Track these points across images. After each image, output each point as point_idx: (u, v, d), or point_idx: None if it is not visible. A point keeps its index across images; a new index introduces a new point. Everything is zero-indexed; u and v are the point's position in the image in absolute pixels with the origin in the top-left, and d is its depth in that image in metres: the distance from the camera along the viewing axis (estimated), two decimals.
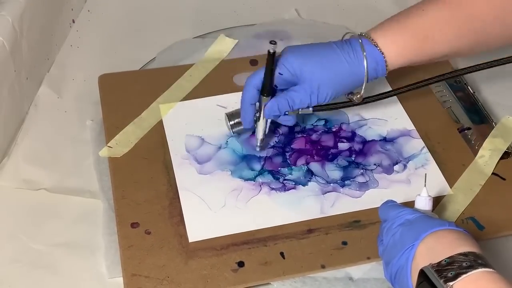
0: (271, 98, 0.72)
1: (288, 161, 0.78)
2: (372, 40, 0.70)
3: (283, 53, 0.72)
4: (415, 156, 0.79)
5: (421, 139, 0.81)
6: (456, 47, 0.71)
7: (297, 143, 0.80)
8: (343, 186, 0.75)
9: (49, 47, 0.91)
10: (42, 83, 0.88)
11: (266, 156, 0.78)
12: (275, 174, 0.76)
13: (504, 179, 0.77)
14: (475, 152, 0.79)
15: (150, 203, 0.73)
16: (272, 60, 0.69)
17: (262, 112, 0.73)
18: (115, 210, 0.72)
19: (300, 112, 0.72)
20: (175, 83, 0.86)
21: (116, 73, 0.88)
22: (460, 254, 0.54)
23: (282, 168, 0.77)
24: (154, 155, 0.78)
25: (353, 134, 0.81)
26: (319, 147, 0.80)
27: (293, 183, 0.76)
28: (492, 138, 0.80)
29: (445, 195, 0.75)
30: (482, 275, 0.52)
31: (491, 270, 0.53)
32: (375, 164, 0.78)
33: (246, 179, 0.76)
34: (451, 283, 0.52)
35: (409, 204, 0.73)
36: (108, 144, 0.78)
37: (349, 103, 0.74)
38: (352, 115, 0.83)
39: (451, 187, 0.76)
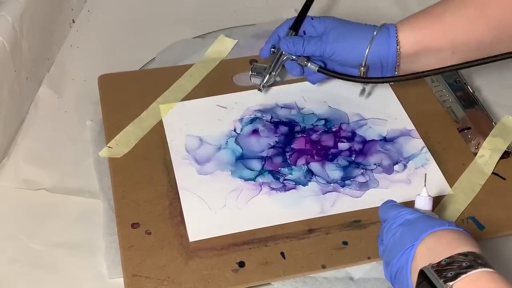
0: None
1: (288, 161, 0.78)
2: (395, 26, 0.76)
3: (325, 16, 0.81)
4: (415, 156, 0.79)
5: (421, 139, 0.81)
6: (475, 34, 0.73)
7: (297, 143, 0.80)
8: (343, 186, 0.75)
9: (49, 47, 0.91)
10: (42, 83, 0.88)
11: (266, 156, 0.78)
12: (275, 174, 0.76)
13: (504, 178, 0.77)
14: (475, 152, 0.79)
15: (151, 204, 0.73)
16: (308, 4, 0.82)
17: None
18: (115, 210, 0.72)
19: (308, 65, 0.79)
20: (175, 83, 0.86)
21: (115, 73, 0.88)
22: (460, 254, 0.54)
23: (282, 168, 0.77)
24: (154, 155, 0.78)
25: (353, 134, 0.81)
26: (319, 147, 0.80)
27: (293, 183, 0.76)
28: (492, 137, 0.80)
29: (445, 195, 0.75)
30: (481, 275, 0.52)
31: (491, 270, 0.53)
32: (375, 164, 0.78)
33: (246, 179, 0.76)
34: (451, 283, 0.52)
35: (410, 204, 0.73)
36: (108, 145, 0.78)
37: (352, 76, 0.78)
38: (352, 114, 0.83)
39: (451, 187, 0.76)
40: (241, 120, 0.82)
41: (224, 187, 0.75)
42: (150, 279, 0.66)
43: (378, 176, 0.77)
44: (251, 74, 0.83)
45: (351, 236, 0.71)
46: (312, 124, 0.82)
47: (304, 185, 0.76)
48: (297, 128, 0.82)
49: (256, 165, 0.77)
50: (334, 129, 0.82)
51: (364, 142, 0.80)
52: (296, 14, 0.99)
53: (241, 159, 0.78)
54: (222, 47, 0.92)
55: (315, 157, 0.78)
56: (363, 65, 0.76)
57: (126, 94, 0.85)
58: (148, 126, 0.81)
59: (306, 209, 0.73)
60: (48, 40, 0.91)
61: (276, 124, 0.82)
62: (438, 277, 0.53)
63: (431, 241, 0.57)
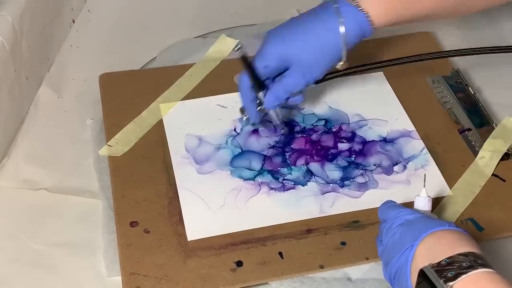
0: (267, 90, 0.73)
1: (288, 161, 0.78)
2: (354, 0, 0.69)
3: (263, 42, 0.73)
4: (415, 157, 0.79)
5: (421, 140, 0.80)
6: (441, 5, 0.70)
7: (297, 143, 0.80)
8: (342, 186, 0.75)
9: (49, 47, 0.91)
10: (42, 83, 0.88)
11: (266, 156, 0.78)
12: (274, 174, 0.76)
13: (504, 180, 0.77)
14: (475, 153, 0.79)
15: (150, 202, 0.73)
16: (246, 63, 0.72)
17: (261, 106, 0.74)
18: (115, 209, 0.72)
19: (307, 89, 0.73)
20: (175, 83, 0.86)
21: (116, 72, 0.88)
22: (460, 254, 0.54)
23: (281, 168, 0.77)
24: (154, 154, 0.78)
25: (353, 134, 0.81)
26: (319, 147, 0.80)
27: (293, 183, 0.75)
28: (492, 139, 0.80)
29: (444, 196, 0.75)
30: (482, 275, 0.52)
31: (491, 270, 0.53)
32: (374, 165, 0.78)
33: (246, 179, 0.76)
34: (451, 283, 0.52)
35: (409, 205, 0.73)
36: (108, 143, 0.79)
37: (334, 73, 0.74)
38: (352, 115, 0.83)
39: (450, 188, 0.75)
40: (241, 119, 0.82)
41: (223, 186, 0.75)
42: (148, 277, 0.66)
43: (377, 177, 0.77)
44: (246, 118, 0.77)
45: (350, 236, 0.71)
46: (312, 124, 0.82)
47: (303, 185, 0.75)
48: (297, 128, 0.82)
49: (256, 164, 0.77)
50: (334, 130, 0.82)
51: (364, 142, 0.80)
52: (297, 14, 0.99)
53: (241, 158, 0.78)
54: (223, 47, 0.92)
55: (315, 157, 0.78)
56: (343, 60, 0.71)
57: (127, 93, 0.85)
58: (148, 125, 0.81)
59: (305, 209, 0.73)
60: (48, 40, 0.91)
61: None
62: (438, 277, 0.53)
63: (431, 241, 0.57)
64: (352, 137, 0.81)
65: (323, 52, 0.70)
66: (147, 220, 0.71)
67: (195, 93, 0.86)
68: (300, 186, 0.75)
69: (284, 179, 0.76)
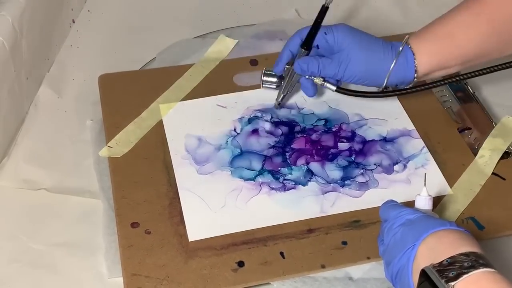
0: (307, 55, 0.77)
1: (288, 161, 0.78)
2: (408, 44, 0.75)
3: (337, 24, 0.77)
4: (415, 156, 0.79)
5: (421, 139, 0.81)
6: (484, 48, 0.74)
7: (297, 143, 0.80)
8: (343, 186, 0.75)
9: (49, 47, 0.91)
10: (42, 83, 0.88)
11: (266, 156, 0.78)
12: (275, 174, 0.76)
13: (504, 179, 0.77)
14: (475, 152, 0.79)
15: (150, 203, 0.73)
16: (322, 13, 0.76)
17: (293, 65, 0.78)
18: (115, 210, 0.72)
19: (324, 85, 0.77)
20: (175, 83, 0.86)
21: (116, 73, 0.88)
22: (461, 254, 0.54)
23: (282, 168, 0.77)
24: (154, 155, 0.78)
25: (353, 134, 0.81)
26: (319, 147, 0.80)
27: (293, 183, 0.76)
28: (492, 138, 0.80)
29: (445, 195, 0.75)
30: (483, 275, 0.52)
31: (492, 270, 0.53)
32: (375, 164, 0.78)
33: (246, 179, 0.76)
34: (452, 283, 0.52)
35: (410, 204, 0.73)
36: (108, 144, 0.78)
37: (371, 93, 0.77)
38: (352, 114, 0.83)
39: (451, 187, 0.75)
40: (241, 120, 0.82)
41: (224, 187, 0.75)
42: (149, 278, 0.66)
43: (378, 176, 0.77)
44: (262, 81, 0.82)
45: (351, 236, 0.71)
46: (312, 124, 0.82)
47: (303, 185, 0.75)
48: (297, 128, 0.82)
49: (256, 165, 0.77)
50: (334, 129, 0.82)
51: (364, 142, 0.80)
52: (297, 15, 1.00)
53: (241, 159, 0.78)
54: (223, 47, 0.92)
55: (315, 157, 0.78)
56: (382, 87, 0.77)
57: (126, 94, 0.85)
58: (148, 126, 0.81)
59: (306, 209, 0.73)
60: (48, 40, 0.91)
61: (276, 124, 0.82)
62: (439, 277, 0.53)
63: (432, 241, 0.57)
64: (352, 137, 0.81)
65: (369, 65, 0.75)
66: (148, 221, 0.71)
67: (194, 93, 0.85)
68: (300, 186, 0.75)
69: (284, 179, 0.76)
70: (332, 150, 0.79)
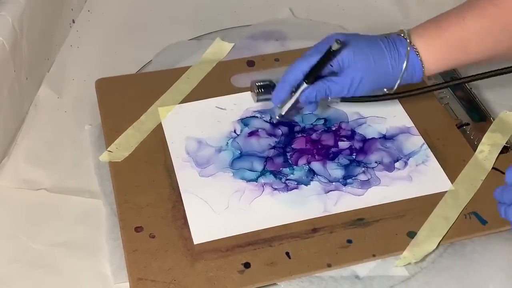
0: (311, 84, 0.73)
1: (290, 161, 0.78)
2: (413, 45, 0.72)
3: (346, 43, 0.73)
4: (415, 153, 0.79)
5: (420, 136, 0.81)
6: (494, 54, 0.73)
7: (297, 143, 0.80)
8: (345, 184, 0.75)
9: (49, 47, 0.91)
10: (42, 83, 0.88)
11: (268, 157, 0.78)
12: (277, 175, 0.76)
13: (504, 173, 0.77)
14: (475, 148, 0.80)
15: (153, 207, 0.72)
16: (331, 57, 0.71)
17: (296, 94, 0.73)
18: (118, 214, 0.72)
19: (329, 100, 0.75)
20: (172, 86, 0.86)
21: (112, 77, 0.87)
22: None
23: (283, 168, 0.77)
24: (155, 158, 0.77)
25: (353, 132, 0.81)
26: (319, 147, 0.80)
27: (296, 183, 0.75)
28: (490, 133, 0.80)
29: (446, 191, 0.75)
30: None
31: None
32: (376, 162, 0.78)
33: (248, 180, 0.76)
34: None
35: (411, 202, 0.73)
36: (108, 149, 0.78)
37: (376, 97, 0.76)
38: (351, 113, 0.84)
39: (452, 183, 0.76)
40: (240, 121, 0.82)
41: (227, 188, 0.75)
42: (156, 282, 0.66)
43: (379, 174, 0.77)
44: (256, 93, 0.78)
45: (355, 234, 0.71)
46: (311, 124, 0.82)
47: (306, 184, 0.75)
48: (297, 128, 0.82)
49: (258, 165, 0.77)
50: (333, 128, 0.82)
51: (364, 140, 0.80)
52: (291, 14, 0.99)
53: (242, 160, 0.78)
54: (219, 50, 0.91)
55: (316, 157, 0.78)
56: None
57: (124, 98, 0.84)
58: (147, 129, 0.81)
59: (309, 208, 0.73)
60: (48, 40, 0.90)
61: (275, 124, 0.82)
62: None
63: None
64: (352, 135, 0.81)
65: (378, 78, 0.72)
66: (151, 225, 0.71)
67: (192, 96, 0.85)
68: (303, 185, 0.75)
69: (287, 179, 0.76)
70: (333, 149, 0.79)
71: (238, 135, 0.81)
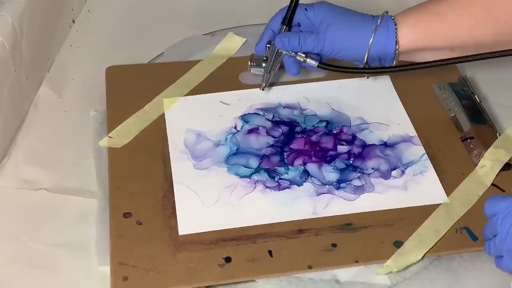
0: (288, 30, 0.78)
1: (286, 161, 0.78)
2: (390, 15, 0.75)
3: (318, 1, 0.78)
4: (414, 163, 0.78)
5: (422, 146, 0.80)
6: (477, 34, 0.72)
7: (296, 144, 0.80)
8: (338, 188, 0.75)
9: (49, 47, 0.91)
10: (42, 83, 0.88)
11: (264, 155, 0.78)
12: (271, 173, 0.76)
13: (503, 190, 0.76)
14: (476, 162, 0.78)
15: (145, 195, 0.73)
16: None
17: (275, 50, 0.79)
18: (109, 199, 0.73)
19: (306, 61, 0.77)
20: (180, 78, 0.87)
21: (123, 65, 0.89)
22: None
23: (278, 167, 0.77)
24: (153, 147, 0.79)
25: (354, 137, 0.81)
26: (318, 149, 0.79)
27: (288, 183, 0.75)
28: (494, 148, 0.79)
29: (440, 203, 0.74)
30: None
31: None
32: (372, 168, 0.77)
33: (242, 176, 0.76)
34: None
35: (403, 211, 0.72)
36: (109, 135, 0.80)
37: (352, 68, 0.78)
38: (354, 118, 0.83)
39: (448, 196, 0.75)
40: (242, 117, 0.82)
41: (219, 182, 0.75)
42: (136, 268, 0.67)
43: (374, 181, 0.76)
44: (250, 65, 0.83)
45: (341, 238, 0.70)
46: (313, 125, 0.82)
47: (299, 185, 0.75)
48: (298, 129, 0.82)
49: (253, 162, 0.77)
50: (335, 132, 0.81)
51: (364, 146, 0.80)
52: None
53: (238, 156, 0.78)
54: (231, 44, 0.92)
55: (313, 158, 0.78)
56: (364, 62, 0.76)
57: (132, 87, 0.86)
58: (150, 119, 0.82)
59: (299, 209, 0.73)
60: (48, 40, 0.90)
61: (277, 123, 0.82)
62: None
63: None
64: (352, 140, 0.80)
65: (350, 40, 0.75)
66: (140, 212, 0.72)
67: (199, 89, 0.86)
68: (295, 186, 0.75)
69: (280, 178, 0.76)
70: (331, 152, 0.79)
71: (238, 131, 0.81)
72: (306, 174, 0.76)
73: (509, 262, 0.62)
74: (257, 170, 0.77)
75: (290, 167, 0.77)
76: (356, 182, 0.76)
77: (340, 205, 0.74)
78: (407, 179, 0.76)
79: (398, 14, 0.75)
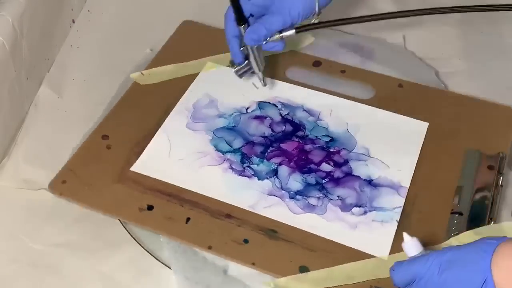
0: (248, 26, 0.75)
1: (265, 155, 0.79)
2: None
3: None
4: (382, 210, 0.74)
5: (403, 199, 0.75)
6: None
7: (287, 145, 0.80)
8: (291, 198, 0.74)
9: (49, 47, 0.91)
10: (42, 83, 0.89)
11: (251, 141, 0.80)
12: (244, 158, 0.78)
13: None
14: (447, 238, 0.71)
15: (131, 130, 0.80)
16: None
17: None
18: (102, 120, 0.82)
19: (283, 36, 0.75)
20: None
21: (197, 23, 0.96)
22: None
23: (254, 157, 0.79)
24: (166, 96, 0.85)
25: (345, 162, 0.78)
26: (303, 157, 0.79)
27: (252, 173, 0.77)
28: (474, 234, 0.70)
29: (375, 257, 0.69)
30: None
31: None
32: (338, 196, 0.75)
33: (218, 150, 0.79)
34: None
35: (335, 245, 0.69)
36: (143, 71, 0.88)
37: (326, 22, 0.74)
38: (360, 146, 0.80)
39: (390, 254, 0.70)
40: (259, 103, 0.85)
41: (195, 145, 0.79)
42: (77, 178, 0.75)
43: (330, 207, 0.74)
44: (237, 74, 0.80)
45: (256, 239, 0.71)
46: (316, 136, 0.81)
47: (259, 179, 0.76)
48: (300, 133, 0.81)
49: (236, 143, 0.80)
50: (331, 150, 0.80)
51: (347, 174, 0.77)
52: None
53: (228, 132, 0.81)
54: (300, 40, 0.94)
55: (291, 163, 0.78)
56: (315, 12, 0.75)
57: (191, 45, 0.92)
58: (185, 73, 0.88)
59: (241, 198, 0.74)
60: (48, 40, 0.90)
61: (285, 120, 0.83)
62: None
63: (505, 264, 0.50)
64: (341, 164, 0.78)
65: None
66: (116, 140, 0.79)
67: None
68: (256, 178, 0.76)
69: (248, 166, 0.78)
70: (312, 166, 0.78)
71: (246, 112, 0.84)
72: (274, 173, 0.77)
73: None
74: (234, 151, 0.79)
75: (264, 161, 0.78)
76: (312, 201, 0.74)
77: (280, 212, 0.73)
78: (363, 221, 0.73)
79: None
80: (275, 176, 0.77)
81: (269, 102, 0.85)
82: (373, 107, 0.84)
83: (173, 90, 0.86)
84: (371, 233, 0.72)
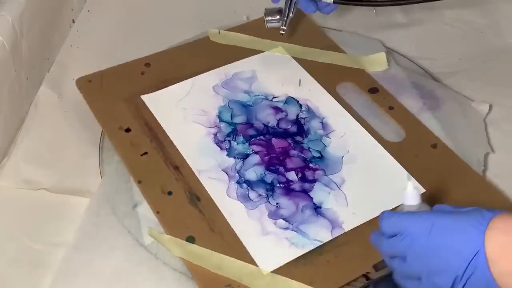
0: None
1: (249, 139, 0.80)
2: None
3: None
4: (303, 236, 0.71)
5: (330, 238, 0.71)
6: None
7: (277, 142, 0.81)
8: (237, 182, 0.76)
9: (49, 47, 0.91)
10: (42, 83, 0.89)
11: (249, 123, 0.82)
12: (232, 133, 0.81)
13: None
14: None
15: (175, 70, 0.87)
16: None
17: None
18: (153, 54, 0.89)
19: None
20: (316, 48, 0.92)
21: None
22: None
23: (240, 136, 0.81)
24: (214, 62, 0.89)
25: (312, 181, 0.76)
26: (280, 158, 0.79)
27: (226, 147, 0.79)
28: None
29: (258, 266, 0.68)
30: None
31: None
32: (277, 203, 0.74)
33: (218, 116, 0.83)
34: None
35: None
36: (221, 32, 0.93)
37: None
38: (339, 175, 0.77)
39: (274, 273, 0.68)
40: (289, 97, 0.86)
41: (204, 104, 0.84)
42: (100, 85, 0.85)
43: (261, 208, 0.73)
44: (266, 20, 0.86)
45: (180, 197, 0.74)
46: (309, 147, 0.80)
47: (227, 155, 0.79)
48: (298, 138, 0.81)
49: (238, 119, 0.83)
50: (311, 165, 0.78)
51: (303, 191, 0.75)
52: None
53: (240, 108, 0.84)
54: (376, 60, 0.91)
55: (265, 157, 0.79)
56: None
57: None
58: (254, 47, 0.91)
59: (198, 161, 0.77)
60: (48, 40, 0.91)
61: (297, 122, 0.83)
62: None
63: (500, 238, 0.48)
64: (306, 181, 0.76)
65: None
66: (155, 71, 0.88)
67: (309, 63, 0.90)
68: (225, 153, 0.79)
69: (228, 141, 0.80)
70: (280, 168, 0.78)
71: (269, 100, 0.85)
72: (243, 156, 0.78)
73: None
74: (230, 124, 0.82)
75: (246, 144, 0.80)
76: (251, 195, 0.74)
77: (217, 188, 0.75)
78: (277, 234, 0.71)
79: None
80: (242, 159, 0.79)
81: (297, 101, 0.86)
82: (385, 151, 0.80)
83: (232, 54, 0.91)
84: (274, 247, 0.70)
